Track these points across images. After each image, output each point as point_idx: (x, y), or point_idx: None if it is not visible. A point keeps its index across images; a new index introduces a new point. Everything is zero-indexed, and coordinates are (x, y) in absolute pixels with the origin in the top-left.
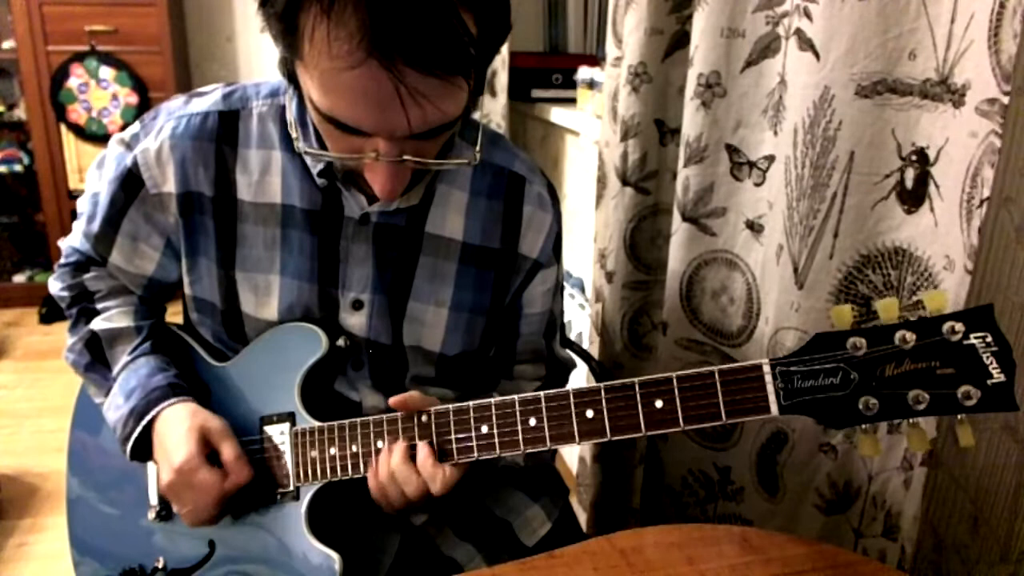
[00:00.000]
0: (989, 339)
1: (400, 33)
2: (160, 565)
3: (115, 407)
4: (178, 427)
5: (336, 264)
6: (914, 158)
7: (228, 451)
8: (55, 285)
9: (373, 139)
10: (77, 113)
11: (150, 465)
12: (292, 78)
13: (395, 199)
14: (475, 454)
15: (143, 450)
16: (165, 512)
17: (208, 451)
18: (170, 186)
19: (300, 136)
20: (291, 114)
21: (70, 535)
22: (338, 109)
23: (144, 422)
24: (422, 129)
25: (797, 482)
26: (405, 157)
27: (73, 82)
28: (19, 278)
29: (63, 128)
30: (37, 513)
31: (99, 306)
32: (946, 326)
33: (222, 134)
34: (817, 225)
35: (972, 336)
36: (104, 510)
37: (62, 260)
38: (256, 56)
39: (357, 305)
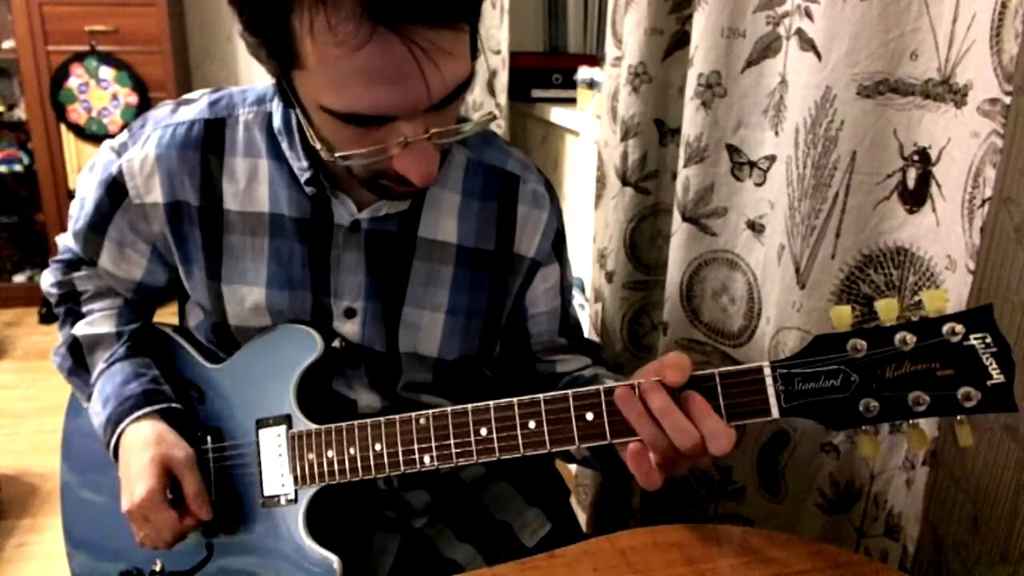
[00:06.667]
0: (989, 340)
1: None
2: (157, 568)
3: (95, 414)
4: (141, 455)
5: (327, 273)
6: (916, 158)
7: (189, 486)
8: (47, 280)
9: (396, 126)
10: (77, 113)
11: None
12: (294, 97)
13: (432, 180)
14: (474, 458)
15: None
16: None
17: (169, 482)
18: (156, 196)
19: (317, 142)
20: (299, 124)
21: (64, 525)
22: (357, 100)
23: (118, 431)
24: (443, 93)
25: (799, 482)
26: (432, 130)
27: (73, 82)
28: (19, 278)
29: (63, 128)
30: (37, 513)
31: (84, 308)
32: (946, 327)
33: (208, 143)
34: (819, 225)
35: (972, 337)
36: (98, 503)
37: (57, 256)
38: None
39: (350, 313)
